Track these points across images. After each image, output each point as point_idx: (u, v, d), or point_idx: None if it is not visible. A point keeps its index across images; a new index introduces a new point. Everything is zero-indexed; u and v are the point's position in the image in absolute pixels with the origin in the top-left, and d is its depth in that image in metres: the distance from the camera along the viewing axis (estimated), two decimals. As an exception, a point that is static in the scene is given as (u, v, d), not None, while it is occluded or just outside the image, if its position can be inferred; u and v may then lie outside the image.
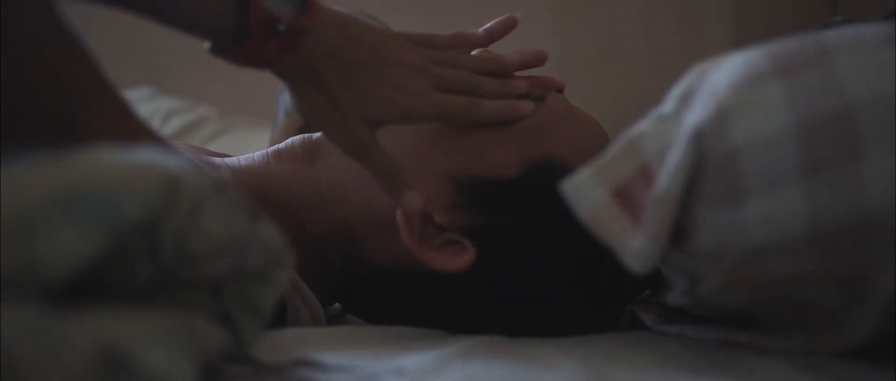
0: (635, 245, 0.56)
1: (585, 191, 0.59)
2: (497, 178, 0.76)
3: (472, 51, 0.79)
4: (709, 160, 0.56)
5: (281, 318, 0.70)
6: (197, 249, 0.43)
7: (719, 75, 0.59)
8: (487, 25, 0.80)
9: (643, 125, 0.61)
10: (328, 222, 0.79)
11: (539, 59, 0.80)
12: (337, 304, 0.86)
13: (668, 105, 0.61)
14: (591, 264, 0.71)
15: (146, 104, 1.82)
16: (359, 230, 0.78)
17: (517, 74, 0.80)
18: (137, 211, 0.39)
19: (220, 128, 1.81)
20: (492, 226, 0.75)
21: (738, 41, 0.74)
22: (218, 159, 0.86)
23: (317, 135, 0.83)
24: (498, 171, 0.76)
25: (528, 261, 0.75)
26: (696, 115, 0.58)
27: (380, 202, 0.76)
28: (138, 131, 0.66)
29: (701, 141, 0.56)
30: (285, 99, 1.11)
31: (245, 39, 0.64)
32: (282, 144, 0.85)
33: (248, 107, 1.88)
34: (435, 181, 0.76)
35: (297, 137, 0.84)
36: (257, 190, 0.79)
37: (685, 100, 0.60)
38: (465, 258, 0.74)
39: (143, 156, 0.41)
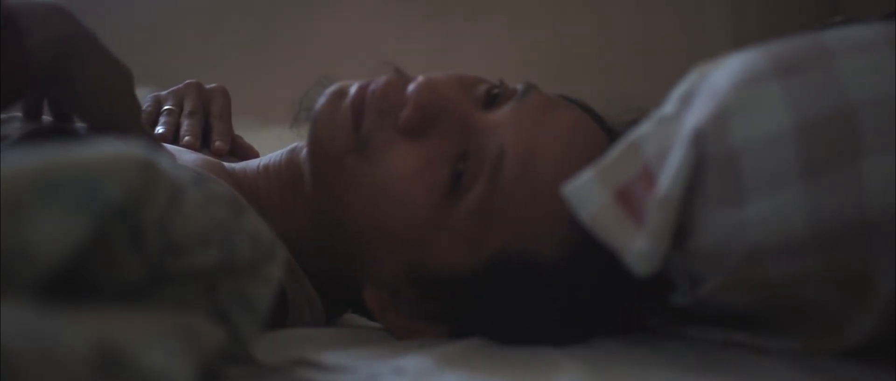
0: (638, 247, 0.56)
1: (587, 193, 0.59)
2: (452, 277, 0.70)
3: None
4: (709, 160, 0.56)
5: (282, 308, 0.70)
6: (181, 236, 0.43)
7: (719, 75, 0.59)
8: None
9: (644, 127, 0.61)
10: (317, 252, 0.75)
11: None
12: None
13: (669, 106, 0.61)
14: (575, 311, 0.69)
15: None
16: (352, 257, 0.74)
17: None
18: (118, 193, 0.39)
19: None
20: (460, 312, 0.71)
21: (738, 41, 0.74)
22: (233, 164, 0.83)
23: (301, 151, 0.78)
24: (452, 270, 0.70)
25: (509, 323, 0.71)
26: (696, 115, 0.58)
27: (362, 225, 0.72)
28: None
29: (701, 141, 0.56)
30: None
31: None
32: (272, 158, 0.81)
33: (248, 107, 1.87)
34: (396, 273, 0.72)
35: (286, 149, 0.81)
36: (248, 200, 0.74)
37: (686, 101, 0.60)
38: (442, 329, 0.72)
39: (119, 144, 0.41)
